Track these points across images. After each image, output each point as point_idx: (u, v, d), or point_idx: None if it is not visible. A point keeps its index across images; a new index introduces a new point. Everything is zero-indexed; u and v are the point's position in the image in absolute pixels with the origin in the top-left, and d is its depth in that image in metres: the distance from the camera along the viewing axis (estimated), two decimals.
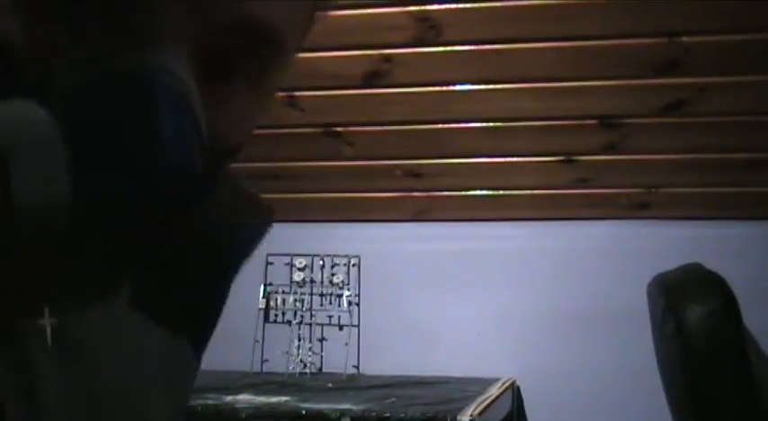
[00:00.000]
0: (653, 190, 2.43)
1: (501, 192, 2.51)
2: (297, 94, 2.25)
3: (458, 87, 2.22)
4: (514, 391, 2.35)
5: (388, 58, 2.11)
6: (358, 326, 2.38)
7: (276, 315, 2.43)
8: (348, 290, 2.42)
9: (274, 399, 1.94)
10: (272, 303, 2.43)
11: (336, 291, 2.42)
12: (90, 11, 0.39)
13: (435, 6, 2.00)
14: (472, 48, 2.09)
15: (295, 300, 2.44)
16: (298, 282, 2.43)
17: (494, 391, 2.11)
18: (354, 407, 1.83)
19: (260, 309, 2.42)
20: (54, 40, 0.39)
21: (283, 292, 2.44)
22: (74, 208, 0.37)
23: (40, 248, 0.37)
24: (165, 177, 0.39)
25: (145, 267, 0.43)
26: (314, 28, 0.49)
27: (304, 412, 1.80)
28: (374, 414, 1.80)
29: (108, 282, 0.44)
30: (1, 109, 0.37)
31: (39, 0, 0.39)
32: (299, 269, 2.43)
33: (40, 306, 0.45)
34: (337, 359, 2.37)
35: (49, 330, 0.46)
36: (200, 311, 0.47)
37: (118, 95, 0.38)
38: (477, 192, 2.53)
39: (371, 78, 2.17)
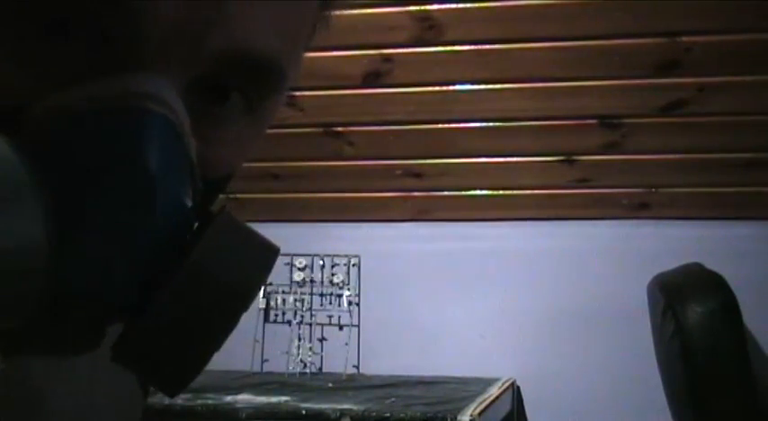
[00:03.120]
0: (653, 190, 2.42)
1: (501, 192, 2.51)
2: (297, 93, 2.25)
3: (458, 87, 2.22)
4: (514, 391, 2.35)
5: (388, 58, 2.11)
6: (358, 326, 2.38)
7: (276, 315, 2.43)
8: (348, 290, 2.42)
9: (274, 399, 1.94)
10: (272, 303, 2.43)
11: (336, 290, 2.42)
12: (72, 35, 0.37)
13: (435, 6, 2.00)
14: (472, 48, 2.09)
15: (295, 300, 2.44)
16: (298, 282, 2.43)
17: (494, 391, 2.11)
18: (354, 407, 1.83)
19: (260, 309, 2.42)
20: (30, 66, 0.37)
21: (283, 292, 2.44)
22: (48, 265, 0.33)
23: (7, 301, 0.33)
24: (155, 226, 0.37)
25: (128, 321, 0.38)
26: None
27: (304, 412, 1.80)
28: (374, 414, 1.80)
29: (83, 341, 0.40)
30: None
31: (17, 24, 0.37)
32: (299, 269, 2.43)
33: None
34: (337, 359, 2.37)
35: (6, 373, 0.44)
36: (183, 365, 0.40)
37: (101, 125, 0.36)
38: (477, 192, 2.53)
39: (371, 78, 2.17)
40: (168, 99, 0.38)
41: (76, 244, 0.35)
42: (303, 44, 0.46)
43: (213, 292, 0.38)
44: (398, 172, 2.48)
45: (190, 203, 0.40)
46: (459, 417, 1.76)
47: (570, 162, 2.38)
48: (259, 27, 0.40)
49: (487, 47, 2.08)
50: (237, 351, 2.31)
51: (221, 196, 0.46)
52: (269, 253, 0.42)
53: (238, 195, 2.47)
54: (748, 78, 2.09)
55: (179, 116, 0.38)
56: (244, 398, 1.96)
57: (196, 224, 0.41)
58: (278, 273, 2.44)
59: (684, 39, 2.00)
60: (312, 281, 2.44)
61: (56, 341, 0.39)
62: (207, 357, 0.40)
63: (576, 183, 2.42)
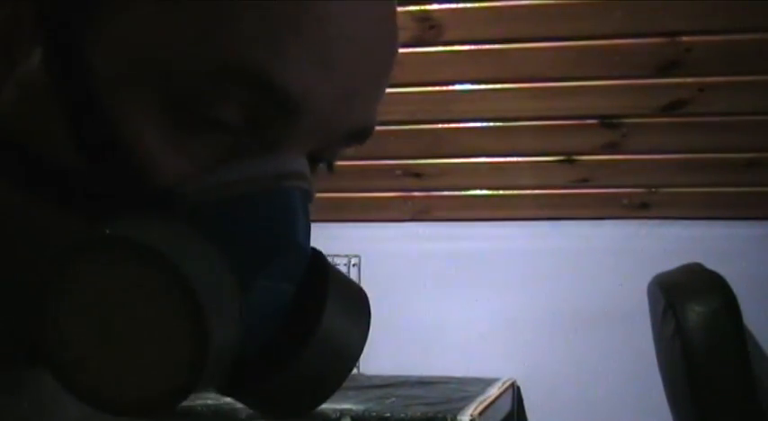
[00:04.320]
0: (653, 190, 2.42)
1: (501, 192, 2.51)
2: None
3: (458, 87, 2.22)
4: (514, 391, 2.35)
5: None
6: None
7: None
8: None
9: None
10: None
11: None
12: (225, 124, 0.39)
13: (435, 6, 2.00)
14: (472, 48, 2.09)
15: None
16: None
17: (494, 391, 2.11)
18: (354, 407, 1.83)
19: None
20: (182, 149, 0.39)
21: None
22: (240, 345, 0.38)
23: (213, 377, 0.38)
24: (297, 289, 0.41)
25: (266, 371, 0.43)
26: None
27: None
28: (374, 414, 1.80)
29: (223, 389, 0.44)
30: (169, 238, 0.36)
31: (172, 109, 0.38)
32: None
33: None
34: None
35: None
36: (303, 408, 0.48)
37: (263, 206, 0.39)
38: (477, 192, 2.53)
39: None
40: (307, 173, 0.42)
41: (248, 315, 0.39)
42: None
43: (337, 350, 0.43)
44: (398, 172, 2.48)
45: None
46: (459, 417, 1.76)
47: (570, 162, 2.38)
48: (375, 107, 0.44)
49: (487, 47, 2.08)
50: None
51: None
52: (367, 306, 0.46)
53: None
54: (748, 78, 2.09)
55: (311, 185, 0.42)
56: None
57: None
58: None
59: (684, 39, 2.00)
60: None
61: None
62: (321, 402, 0.47)
63: (576, 183, 2.42)
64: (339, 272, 0.45)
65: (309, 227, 0.41)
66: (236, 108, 0.39)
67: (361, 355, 0.46)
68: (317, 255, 0.45)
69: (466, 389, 2.12)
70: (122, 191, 0.39)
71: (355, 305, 0.45)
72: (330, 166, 0.47)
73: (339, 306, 0.43)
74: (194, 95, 0.38)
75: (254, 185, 0.39)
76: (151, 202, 0.38)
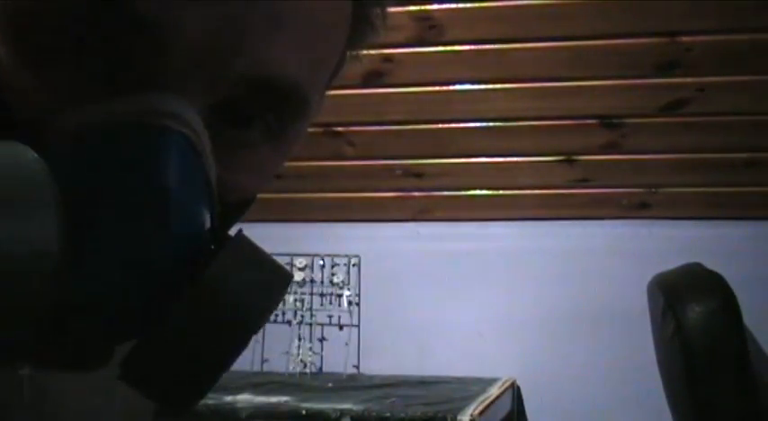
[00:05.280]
0: (653, 190, 2.42)
1: (501, 192, 2.51)
2: None
3: (458, 87, 2.22)
4: (514, 391, 2.35)
5: (388, 57, 2.11)
6: (358, 326, 2.38)
7: (276, 315, 2.43)
8: (348, 290, 2.42)
9: (274, 399, 1.94)
10: None
11: (336, 290, 2.42)
12: (92, 52, 0.37)
13: (435, 6, 2.00)
14: (472, 48, 2.09)
15: (295, 300, 2.44)
16: (298, 282, 2.43)
17: (494, 391, 2.11)
18: (354, 407, 1.83)
19: None
20: (51, 81, 0.37)
21: None
22: (60, 275, 0.33)
23: (16, 307, 0.32)
24: (169, 244, 0.36)
25: (141, 339, 0.38)
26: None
27: (304, 412, 1.80)
28: (374, 414, 1.80)
29: (94, 356, 0.39)
30: None
31: (38, 42, 0.37)
32: (300, 269, 2.43)
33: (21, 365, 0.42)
34: (337, 359, 2.37)
35: (26, 380, 0.44)
36: (190, 386, 0.40)
37: (120, 140, 0.36)
38: (477, 192, 2.53)
39: (371, 78, 2.17)
40: (189, 119, 0.38)
41: (86, 254, 0.35)
42: (328, 73, 0.46)
43: (223, 315, 0.38)
44: (398, 172, 2.48)
45: (207, 224, 0.39)
46: (459, 417, 1.76)
47: (570, 162, 2.38)
48: (282, 54, 0.40)
49: (487, 47, 2.08)
50: None
51: None
52: (281, 279, 0.42)
53: None
54: (748, 78, 2.09)
55: (199, 136, 0.38)
56: (244, 397, 1.96)
57: (212, 246, 0.40)
58: None
59: (684, 39, 2.00)
60: (312, 281, 2.44)
61: (64, 355, 0.39)
62: (213, 379, 0.39)
63: (576, 183, 2.42)
64: (253, 245, 0.41)
65: (190, 175, 0.38)
66: (101, 37, 0.37)
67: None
68: (237, 233, 0.41)
69: (466, 389, 2.12)
70: None
71: (261, 275, 0.40)
72: (269, 126, 0.42)
73: (233, 271, 0.39)
74: (47, 11, 0.36)
75: (115, 120, 0.36)
76: (16, 134, 0.35)
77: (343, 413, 1.78)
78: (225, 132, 0.41)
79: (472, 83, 2.20)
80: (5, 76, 0.37)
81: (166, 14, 0.37)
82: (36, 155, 0.33)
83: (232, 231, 0.42)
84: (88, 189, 0.35)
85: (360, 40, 0.47)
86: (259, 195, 0.47)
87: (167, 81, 0.38)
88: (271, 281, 0.41)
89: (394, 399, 1.96)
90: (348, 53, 0.48)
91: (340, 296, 2.42)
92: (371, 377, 2.35)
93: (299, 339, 2.42)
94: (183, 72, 0.38)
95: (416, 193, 2.55)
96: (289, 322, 2.43)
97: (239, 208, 0.45)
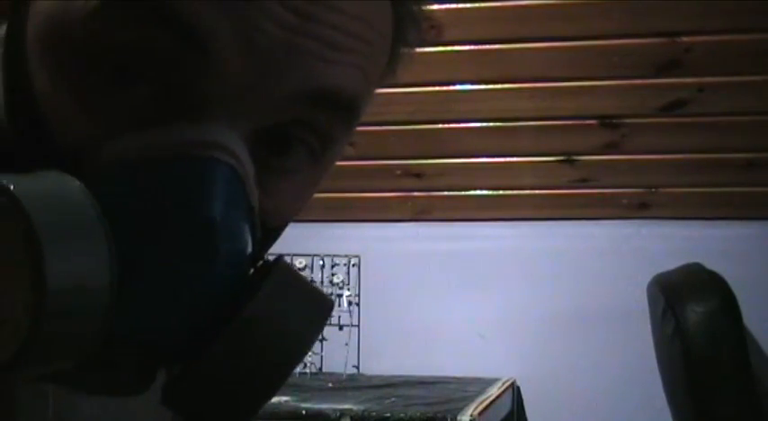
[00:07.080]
0: (653, 190, 2.42)
1: (501, 192, 2.51)
2: None
3: (458, 87, 2.22)
4: (514, 391, 2.35)
5: None
6: (358, 326, 2.38)
7: None
8: (348, 290, 2.41)
9: (274, 399, 1.93)
10: None
11: (336, 290, 2.42)
12: (138, 80, 0.37)
13: (435, 6, 2.00)
14: (472, 48, 2.09)
15: None
16: None
17: (494, 391, 2.11)
18: (354, 407, 1.83)
19: None
20: (95, 109, 0.37)
21: None
22: (108, 309, 0.33)
23: (65, 343, 0.33)
24: (215, 278, 0.36)
25: (186, 366, 0.38)
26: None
27: (304, 412, 1.80)
28: (374, 414, 1.80)
29: (133, 384, 0.39)
30: (38, 182, 0.33)
31: (82, 69, 0.37)
32: (299, 269, 2.43)
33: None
34: (337, 359, 2.37)
35: (51, 398, 0.44)
36: (234, 414, 0.40)
37: (166, 172, 0.36)
38: (477, 192, 2.53)
39: None
40: (235, 149, 0.37)
41: (135, 289, 0.35)
42: (376, 80, 0.45)
43: (267, 345, 0.39)
44: (398, 172, 2.48)
45: (249, 252, 0.39)
46: (459, 417, 1.76)
47: (570, 162, 2.38)
48: (335, 69, 0.39)
49: (487, 47, 2.08)
50: None
51: None
52: (324, 307, 0.42)
53: None
54: (748, 78, 2.09)
55: (244, 166, 0.38)
56: None
57: (252, 271, 0.40)
58: None
59: (684, 39, 2.00)
60: (312, 281, 2.44)
61: (106, 382, 0.39)
62: (256, 408, 0.40)
63: (576, 183, 2.42)
64: (295, 273, 0.41)
65: (236, 206, 0.37)
66: (148, 65, 0.36)
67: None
68: (278, 260, 0.41)
69: (466, 389, 2.12)
70: (37, 152, 0.37)
71: (304, 305, 0.41)
72: (312, 149, 0.42)
73: (277, 301, 0.39)
74: (92, 37, 0.36)
75: (161, 151, 0.36)
76: (60, 163, 0.35)
77: (343, 413, 1.78)
78: (268, 160, 0.40)
79: (472, 83, 2.20)
80: (47, 102, 0.37)
81: (215, 36, 0.36)
82: (83, 186, 0.33)
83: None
84: (135, 222, 0.35)
85: (404, 39, 0.46)
86: None
87: (214, 107, 0.37)
88: (313, 309, 0.41)
89: (394, 399, 1.96)
90: (395, 53, 0.46)
91: (340, 296, 2.42)
92: (371, 377, 2.35)
93: None
94: (227, 101, 0.37)
95: (416, 193, 2.55)
96: None
97: (278, 231, 0.45)
